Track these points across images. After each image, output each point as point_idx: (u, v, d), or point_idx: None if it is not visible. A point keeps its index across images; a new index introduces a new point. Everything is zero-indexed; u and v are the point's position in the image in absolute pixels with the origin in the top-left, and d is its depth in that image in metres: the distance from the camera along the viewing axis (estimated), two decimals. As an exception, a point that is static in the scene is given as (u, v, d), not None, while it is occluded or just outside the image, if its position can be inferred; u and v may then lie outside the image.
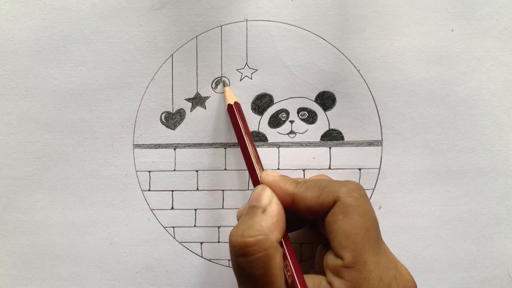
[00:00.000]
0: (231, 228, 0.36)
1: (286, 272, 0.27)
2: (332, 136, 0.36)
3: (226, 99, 0.35)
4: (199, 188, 0.36)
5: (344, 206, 0.27)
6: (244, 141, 0.32)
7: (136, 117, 0.36)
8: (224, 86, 0.35)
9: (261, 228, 0.27)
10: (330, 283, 0.26)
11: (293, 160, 0.36)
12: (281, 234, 0.28)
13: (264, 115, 0.36)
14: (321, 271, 0.28)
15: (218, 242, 0.36)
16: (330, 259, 0.27)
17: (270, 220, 0.27)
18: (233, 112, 0.33)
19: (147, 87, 0.36)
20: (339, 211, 0.27)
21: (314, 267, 0.33)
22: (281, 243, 0.28)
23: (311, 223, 0.33)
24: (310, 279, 0.27)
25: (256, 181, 0.31)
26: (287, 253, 0.28)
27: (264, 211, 0.28)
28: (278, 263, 0.26)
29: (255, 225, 0.27)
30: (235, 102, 0.34)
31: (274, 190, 0.29)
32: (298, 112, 0.36)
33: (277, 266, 0.26)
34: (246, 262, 0.26)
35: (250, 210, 0.28)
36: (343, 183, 0.28)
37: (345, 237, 0.26)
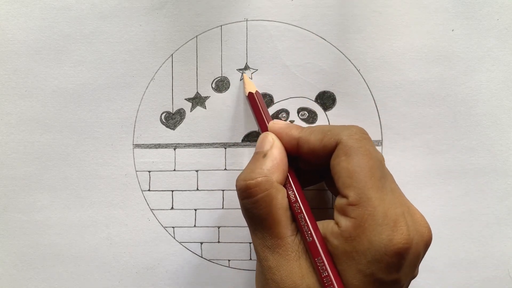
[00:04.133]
0: (231, 228, 0.36)
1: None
2: (332, 136, 0.36)
3: (246, 88, 0.34)
4: (199, 188, 0.36)
5: (345, 147, 0.27)
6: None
7: (136, 117, 0.36)
8: (243, 74, 0.35)
9: (261, 171, 0.28)
10: (337, 223, 0.27)
11: (293, 160, 0.36)
12: (283, 176, 0.29)
13: (264, 115, 0.36)
14: None
15: (218, 242, 0.36)
16: (337, 200, 0.28)
17: (270, 163, 0.29)
18: (254, 99, 0.33)
19: (147, 87, 0.36)
20: (341, 153, 0.27)
21: None
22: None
23: (323, 175, 0.33)
24: (319, 223, 0.28)
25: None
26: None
27: (265, 155, 0.29)
28: (280, 203, 0.28)
29: (256, 169, 0.29)
30: (256, 91, 0.34)
31: (281, 137, 0.30)
32: (298, 112, 0.36)
33: (279, 206, 0.28)
34: (250, 203, 0.28)
35: (254, 156, 0.30)
36: (346, 127, 0.29)
37: (348, 176, 0.27)
